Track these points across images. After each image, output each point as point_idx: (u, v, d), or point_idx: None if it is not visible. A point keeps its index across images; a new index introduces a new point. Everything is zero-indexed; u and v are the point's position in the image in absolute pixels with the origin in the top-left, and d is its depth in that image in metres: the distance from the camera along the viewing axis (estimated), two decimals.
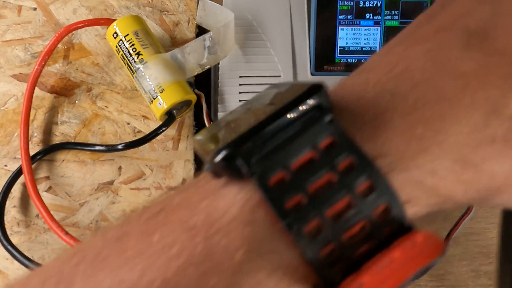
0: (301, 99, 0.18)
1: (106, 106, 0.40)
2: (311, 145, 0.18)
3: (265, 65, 0.40)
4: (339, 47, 0.40)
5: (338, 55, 0.40)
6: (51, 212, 0.35)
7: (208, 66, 0.39)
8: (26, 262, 0.33)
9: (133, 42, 0.38)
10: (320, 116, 0.18)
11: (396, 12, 0.39)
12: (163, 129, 0.38)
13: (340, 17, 0.39)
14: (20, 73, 0.41)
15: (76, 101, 0.40)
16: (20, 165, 0.37)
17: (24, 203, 0.37)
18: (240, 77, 0.40)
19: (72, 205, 0.37)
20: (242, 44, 0.41)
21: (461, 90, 0.19)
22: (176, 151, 0.39)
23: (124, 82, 0.41)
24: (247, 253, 0.17)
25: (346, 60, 0.40)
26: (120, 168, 0.39)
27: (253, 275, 0.17)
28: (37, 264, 0.33)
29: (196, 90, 0.39)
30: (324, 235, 0.17)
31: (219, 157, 0.17)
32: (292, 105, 0.18)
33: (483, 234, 0.45)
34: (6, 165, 0.38)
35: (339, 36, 0.39)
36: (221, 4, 0.42)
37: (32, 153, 0.37)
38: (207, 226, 0.17)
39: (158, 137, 0.39)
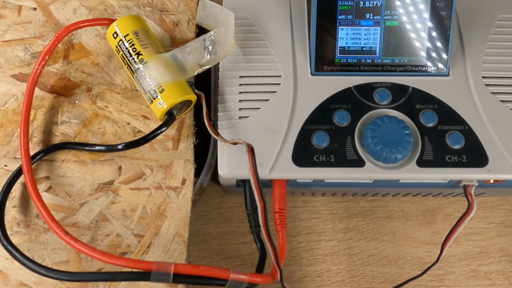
0: None
1: (106, 106, 0.40)
2: None
3: (265, 65, 0.40)
4: (339, 47, 0.40)
5: (338, 55, 0.40)
6: (51, 212, 0.35)
7: (208, 66, 0.39)
8: (26, 262, 0.33)
9: (133, 42, 0.38)
10: None
11: (396, 12, 0.39)
12: (163, 129, 0.38)
13: (340, 17, 0.39)
14: (20, 73, 0.41)
15: (76, 101, 0.40)
16: (20, 165, 0.37)
17: (24, 203, 0.37)
18: (240, 77, 0.40)
19: (72, 205, 0.37)
20: (242, 44, 0.41)
21: None
22: (176, 151, 0.39)
23: (124, 82, 0.41)
24: None
25: (346, 60, 0.40)
26: (120, 168, 0.39)
27: None
28: (37, 264, 0.33)
29: (196, 90, 0.39)
30: None
31: None
32: None
33: (483, 234, 0.45)
34: (6, 165, 0.38)
35: (339, 36, 0.39)
36: (221, 4, 0.42)
37: (32, 153, 0.37)
38: None
39: (158, 137, 0.39)
